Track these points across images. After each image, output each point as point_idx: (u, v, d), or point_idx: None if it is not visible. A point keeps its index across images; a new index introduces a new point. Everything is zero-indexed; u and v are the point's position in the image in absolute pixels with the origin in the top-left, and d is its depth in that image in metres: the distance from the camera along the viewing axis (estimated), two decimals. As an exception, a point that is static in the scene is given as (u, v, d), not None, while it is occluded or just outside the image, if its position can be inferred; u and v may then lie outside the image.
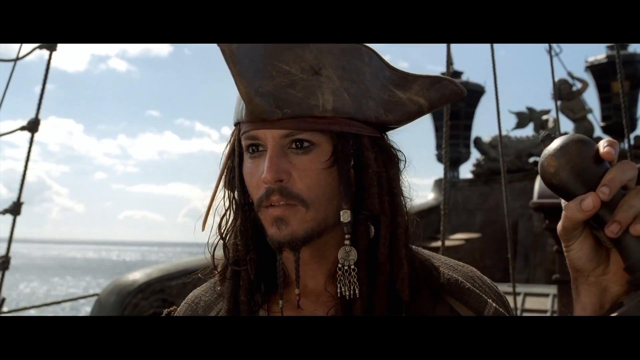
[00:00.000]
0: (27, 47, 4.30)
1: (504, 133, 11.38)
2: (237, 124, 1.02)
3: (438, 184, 11.11)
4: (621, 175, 0.74)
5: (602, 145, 0.75)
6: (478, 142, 11.51)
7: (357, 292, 0.95)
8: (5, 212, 4.08)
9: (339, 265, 0.96)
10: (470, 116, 11.80)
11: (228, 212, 1.05)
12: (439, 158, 11.88)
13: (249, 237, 1.02)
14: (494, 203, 10.71)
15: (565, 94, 11.11)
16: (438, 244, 8.52)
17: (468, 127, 11.87)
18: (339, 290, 0.95)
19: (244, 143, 0.99)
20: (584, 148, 0.75)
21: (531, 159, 11.23)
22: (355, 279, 0.95)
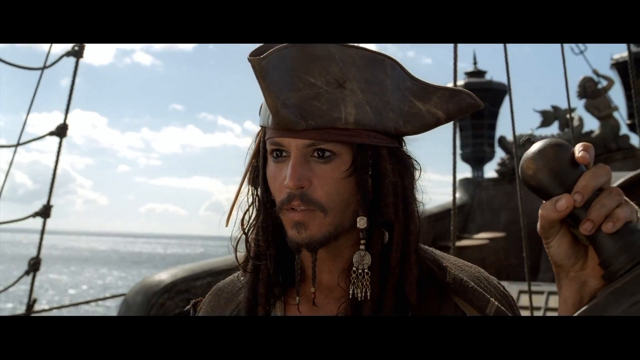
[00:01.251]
0: (54, 54, 4.41)
1: (528, 131, 11.32)
2: (263, 127, 1.09)
3: (463, 183, 11.09)
4: (594, 181, 0.80)
5: (578, 150, 0.82)
6: (502, 141, 11.45)
7: (368, 294, 1.02)
8: (35, 214, 4.21)
9: (354, 268, 1.03)
10: (494, 115, 11.75)
11: (251, 209, 1.12)
12: (464, 157, 11.84)
13: (270, 233, 1.09)
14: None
15: (591, 91, 11.00)
16: (462, 242, 8.47)
17: (492, 126, 11.81)
18: (351, 292, 1.02)
19: (268, 147, 1.06)
20: (560, 152, 0.81)
21: (556, 158, 11.15)
22: (367, 282, 1.02)
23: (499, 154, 11.74)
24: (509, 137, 11.67)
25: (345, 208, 1.03)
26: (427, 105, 1.06)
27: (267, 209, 1.08)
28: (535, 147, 0.83)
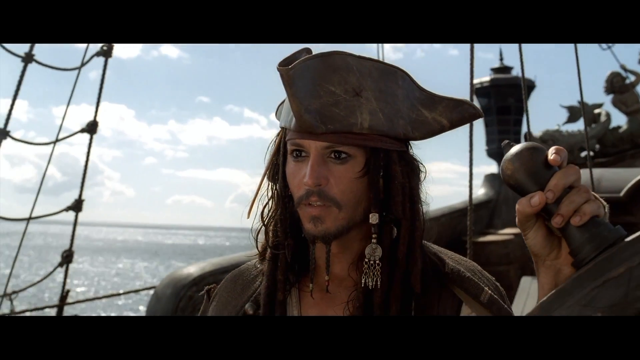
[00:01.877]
0: (81, 51, 4.55)
1: (554, 127, 11.29)
2: (283, 128, 1.20)
3: (489, 179, 11.08)
4: (564, 180, 0.90)
5: (550, 152, 0.92)
6: (528, 136, 11.44)
7: (378, 283, 1.13)
8: (68, 209, 4.38)
9: (366, 260, 1.14)
10: (520, 111, 11.71)
11: (270, 202, 1.23)
12: (490, 153, 11.83)
13: (287, 225, 1.20)
14: (545, 198, 10.60)
15: (618, 87, 10.94)
16: (487, 238, 8.46)
17: (518, 122, 11.77)
18: (363, 281, 1.13)
19: (289, 147, 1.17)
20: (535, 154, 0.92)
21: (583, 153, 11.10)
22: (378, 272, 1.13)
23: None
24: (536, 133, 11.66)
25: (358, 205, 1.14)
26: (433, 113, 1.16)
27: (285, 203, 1.20)
28: (513, 150, 0.94)
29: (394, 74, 1.15)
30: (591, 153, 11.08)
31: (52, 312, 4.73)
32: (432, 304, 1.17)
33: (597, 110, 11.37)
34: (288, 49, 1.18)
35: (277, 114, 1.24)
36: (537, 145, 0.94)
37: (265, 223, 1.23)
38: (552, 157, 0.91)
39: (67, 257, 4.52)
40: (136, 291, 6.12)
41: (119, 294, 5.97)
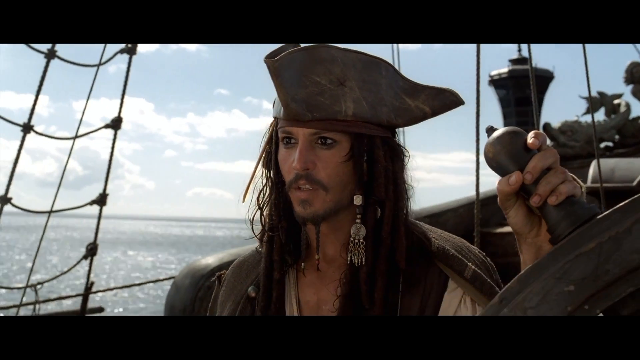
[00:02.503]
0: (108, 52, 4.64)
1: (574, 118, 11.23)
2: (276, 119, 1.28)
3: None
4: (542, 162, 0.97)
5: (530, 137, 0.98)
6: (547, 127, 11.39)
7: (363, 260, 1.20)
8: (92, 202, 4.49)
9: (351, 239, 1.22)
10: (539, 102, 11.70)
11: (265, 188, 1.31)
12: (508, 145, 11.82)
13: (281, 209, 1.28)
14: (564, 189, 10.59)
15: (638, 77, 10.87)
16: (505, 229, 8.50)
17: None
18: (349, 258, 1.21)
19: (280, 135, 1.25)
20: (515, 138, 0.98)
21: (602, 144, 11.05)
22: (363, 250, 1.21)
23: (544, 141, 11.68)
24: (554, 124, 11.62)
25: (344, 187, 1.22)
26: (415, 101, 1.24)
27: (278, 188, 1.28)
28: (495, 133, 1.00)
29: (378, 65, 1.22)
30: (610, 144, 11.02)
31: (78, 301, 4.86)
32: (419, 279, 1.24)
33: (616, 101, 11.31)
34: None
35: (273, 106, 1.32)
36: (518, 129, 1.00)
37: (261, 207, 1.31)
38: (530, 141, 0.98)
39: (91, 250, 4.65)
40: (155, 281, 6.25)
41: (139, 284, 6.09)
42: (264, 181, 1.32)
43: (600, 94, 11.34)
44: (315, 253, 1.28)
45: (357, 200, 1.22)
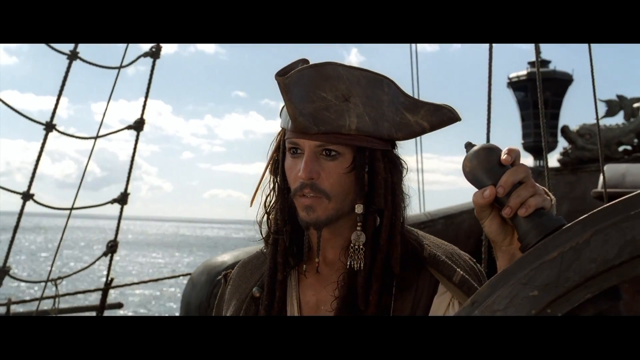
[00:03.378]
0: (130, 54, 4.73)
1: (592, 122, 11.19)
2: (283, 129, 1.37)
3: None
4: (514, 177, 1.05)
5: (503, 153, 1.07)
6: (565, 130, 11.37)
7: (362, 265, 1.29)
8: (114, 201, 4.61)
9: (351, 245, 1.30)
10: (557, 105, 11.66)
11: (272, 194, 1.41)
12: (525, 147, 11.81)
13: (286, 214, 1.37)
14: (581, 192, 10.59)
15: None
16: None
17: (555, 116, 11.72)
18: (348, 263, 1.30)
19: (287, 145, 1.34)
20: (490, 154, 1.07)
21: (621, 148, 11.01)
22: (362, 256, 1.29)
23: (562, 143, 11.66)
24: (573, 127, 11.59)
25: (346, 196, 1.31)
26: (415, 117, 1.32)
27: (284, 194, 1.38)
28: (472, 149, 1.09)
29: (381, 82, 1.31)
30: (629, 147, 10.96)
31: (98, 296, 4.98)
32: (411, 283, 1.32)
33: (636, 105, 11.25)
34: (323, 47, 1.31)
35: (280, 116, 1.41)
36: (493, 146, 1.09)
37: (268, 211, 1.40)
38: (503, 157, 1.06)
39: (111, 247, 4.77)
40: (172, 277, 6.39)
41: (157, 280, 6.23)
42: (271, 187, 1.41)
43: (620, 97, 11.29)
44: (316, 256, 1.37)
45: (359, 209, 1.30)
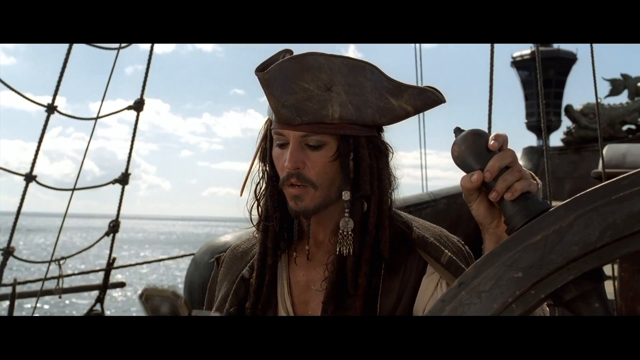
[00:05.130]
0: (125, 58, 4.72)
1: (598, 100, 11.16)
2: (269, 119, 1.39)
3: (527, 152, 11.09)
4: (500, 162, 1.07)
5: (491, 138, 1.08)
6: (569, 109, 11.35)
7: (351, 251, 1.32)
8: (115, 181, 4.64)
9: (340, 231, 1.33)
10: (561, 84, 11.63)
11: (261, 181, 1.43)
12: (529, 126, 11.81)
13: (275, 201, 1.39)
14: (584, 171, 10.59)
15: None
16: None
17: (559, 95, 11.71)
18: (337, 249, 1.32)
19: (273, 135, 1.36)
20: (478, 139, 1.09)
21: (625, 127, 11.00)
22: (350, 242, 1.32)
23: (565, 122, 11.65)
24: (576, 106, 11.58)
25: (332, 184, 1.33)
26: (399, 101, 1.33)
27: (273, 182, 1.40)
28: (461, 134, 1.10)
29: (363, 68, 1.32)
30: (633, 126, 10.95)
31: (100, 276, 5.03)
32: (399, 265, 1.35)
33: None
34: (320, 46, 1.34)
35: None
36: (481, 131, 1.10)
37: (258, 198, 1.42)
38: (491, 143, 1.08)
39: (113, 227, 4.81)
40: (175, 257, 6.45)
41: (160, 260, 6.28)
42: (261, 175, 1.43)
43: (624, 76, 11.25)
44: (307, 243, 1.39)
45: (346, 195, 1.32)
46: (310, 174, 1.31)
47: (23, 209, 4.03)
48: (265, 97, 1.32)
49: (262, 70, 1.28)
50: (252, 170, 1.44)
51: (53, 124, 4.00)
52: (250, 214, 1.44)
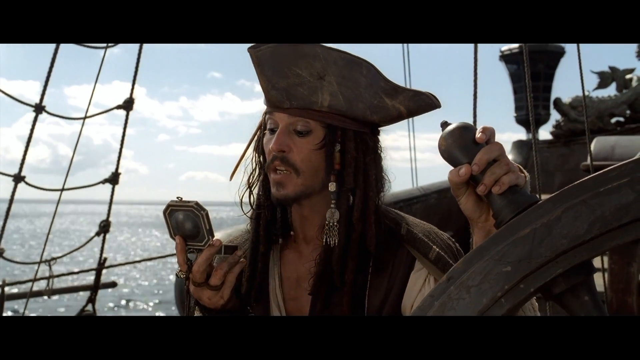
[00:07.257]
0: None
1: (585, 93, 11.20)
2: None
3: (516, 145, 11.11)
4: (488, 155, 1.06)
5: (478, 132, 1.08)
6: (558, 103, 11.37)
7: (336, 242, 1.31)
8: (105, 181, 4.62)
9: (326, 222, 1.33)
10: (549, 77, 11.66)
11: (254, 171, 1.44)
12: (518, 119, 11.83)
13: (267, 189, 1.40)
14: (574, 164, 10.64)
15: (650, 52, 10.81)
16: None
17: (548, 89, 11.72)
18: (324, 239, 1.32)
19: (267, 122, 1.37)
20: (465, 132, 1.08)
21: (613, 120, 11.04)
22: (336, 233, 1.32)
23: (554, 116, 11.68)
24: (565, 99, 11.61)
25: (316, 173, 1.34)
26: (393, 101, 1.33)
27: (265, 171, 1.40)
28: (448, 128, 1.09)
29: (359, 65, 1.32)
30: (621, 119, 10.99)
31: (91, 276, 5.01)
32: (387, 262, 1.35)
33: (628, 76, 11.25)
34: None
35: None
36: (468, 125, 1.09)
37: (250, 187, 1.42)
38: (478, 136, 1.07)
39: (104, 227, 4.80)
40: (166, 256, 6.42)
41: (150, 259, 6.26)
42: (254, 164, 1.44)
43: (612, 68, 11.29)
44: (294, 239, 1.41)
45: (332, 187, 1.33)
46: (295, 159, 1.33)
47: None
48: (251, 86, 1.34)
49: (256, 48, 1.29)
50: (245, 157, 1.44)
51: (27, 108, 3.96)
52: (242, 204, 1.44)
